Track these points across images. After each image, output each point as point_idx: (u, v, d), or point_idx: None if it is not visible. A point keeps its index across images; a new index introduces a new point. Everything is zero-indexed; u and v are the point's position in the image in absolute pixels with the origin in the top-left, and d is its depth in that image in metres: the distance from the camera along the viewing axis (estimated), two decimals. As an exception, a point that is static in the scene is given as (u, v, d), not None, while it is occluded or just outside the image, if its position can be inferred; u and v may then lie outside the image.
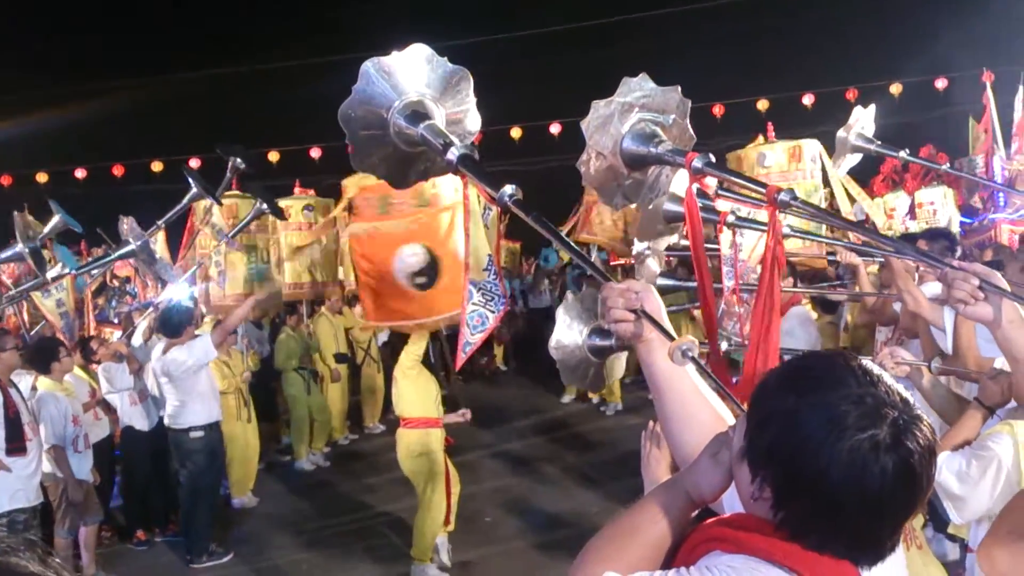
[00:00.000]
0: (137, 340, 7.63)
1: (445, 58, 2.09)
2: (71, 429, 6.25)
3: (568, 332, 3.08)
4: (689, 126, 2.31)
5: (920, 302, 4.08)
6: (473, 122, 2.17)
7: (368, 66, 2.00)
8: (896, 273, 4.16)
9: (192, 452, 6.87)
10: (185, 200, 6.83)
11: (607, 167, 2.24)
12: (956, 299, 1.82)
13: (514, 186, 1.87)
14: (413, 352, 6.01)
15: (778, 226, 2.16)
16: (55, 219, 5.37)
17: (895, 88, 14.81)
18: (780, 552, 1.25)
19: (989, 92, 8.18)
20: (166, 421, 6.99)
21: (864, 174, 11.95)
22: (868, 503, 1.20)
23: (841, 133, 4.08)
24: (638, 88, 2.21)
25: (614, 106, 2.19)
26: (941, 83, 14.30)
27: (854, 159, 4.16)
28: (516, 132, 16.13)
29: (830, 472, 1.19)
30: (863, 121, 4.12)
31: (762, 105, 14.55)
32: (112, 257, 6.12)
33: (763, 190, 2.10)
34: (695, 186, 2.23)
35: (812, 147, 7.07)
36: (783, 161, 6.94)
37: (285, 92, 17.59)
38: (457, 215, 5.45)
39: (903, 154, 4.10)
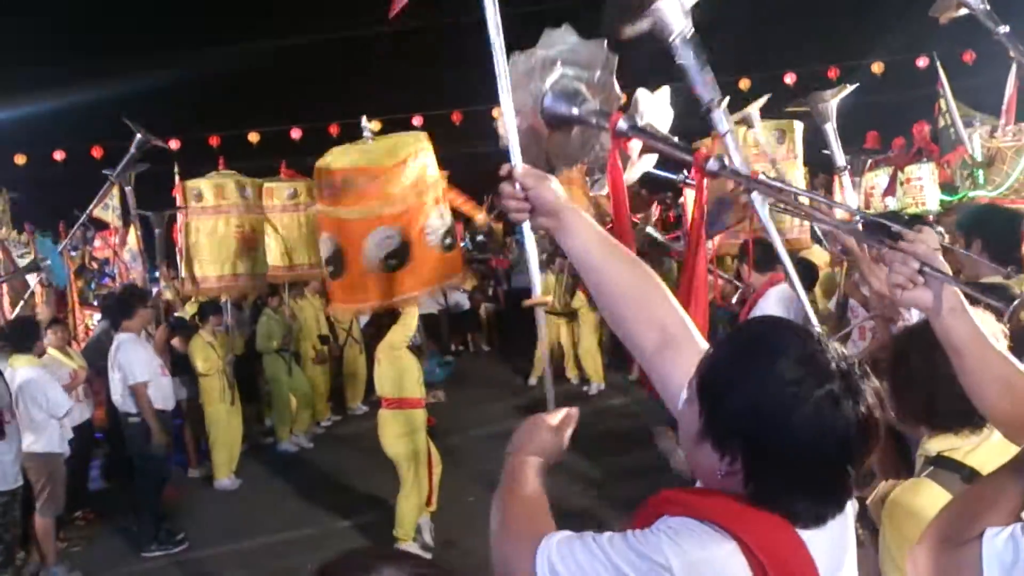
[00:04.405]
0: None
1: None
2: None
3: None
4: (616, 83, 2.16)
5: (884, 282, 3.92)
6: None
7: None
8: (858, 258, 3.86)
9: (130, 438, 6.80)
10: (132, 148, 7.46)
11: (527, 127, 2.06)
12: (894, 283, 1.66)
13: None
14: (402, 332, 5.98)
15: (705, 195, 2.12)
16: None
17: (876, 67, 14.82)
18: (710, 510, 1.28)
19: (941, 74, 8.03)
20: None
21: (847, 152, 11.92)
22: (838, 451, 1.25)
23: None
24: (561, 40, 2.05)
25: (535, 59, 2.02)
26: (922, 62, 14.28)
27: (958, 15, 3.99)
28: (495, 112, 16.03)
29: (801, 431, 1.23)
30: None
31: (744, 84, 14.48)
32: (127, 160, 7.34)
33: (690, 157, 2.05)
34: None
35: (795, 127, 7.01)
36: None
37: (269, 72, 17.44)
38: (427, 196, 5.41)
39: (1002, 29, 3.98)
